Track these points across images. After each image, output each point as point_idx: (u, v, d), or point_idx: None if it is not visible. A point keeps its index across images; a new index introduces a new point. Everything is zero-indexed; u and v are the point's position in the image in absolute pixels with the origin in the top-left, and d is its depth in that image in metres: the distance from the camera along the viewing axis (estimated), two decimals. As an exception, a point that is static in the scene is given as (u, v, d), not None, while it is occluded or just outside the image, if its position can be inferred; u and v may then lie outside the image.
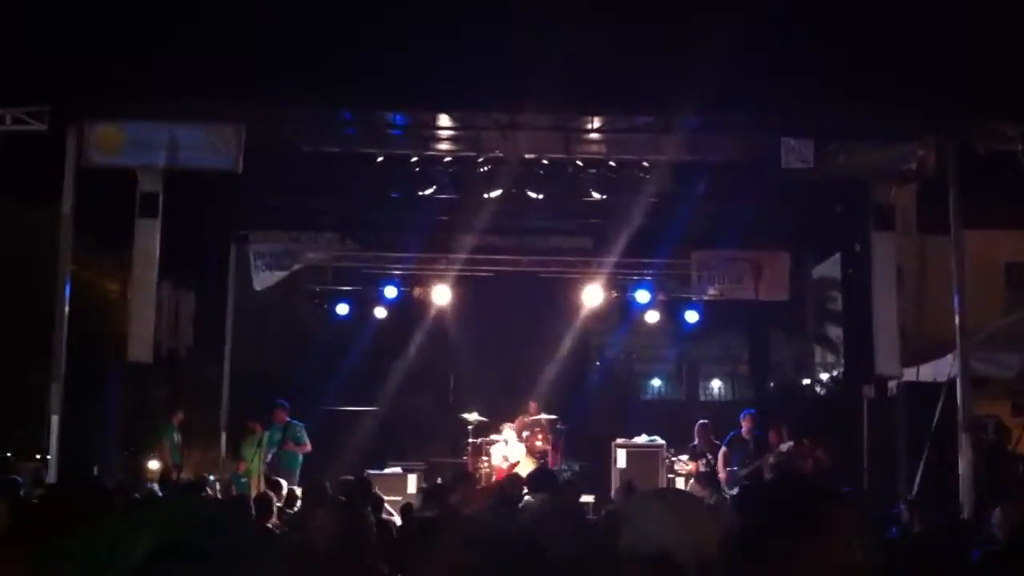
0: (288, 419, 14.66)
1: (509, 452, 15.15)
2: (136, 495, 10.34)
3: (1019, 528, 5.31)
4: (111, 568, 1.93)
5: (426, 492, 9.10)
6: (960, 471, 11.55)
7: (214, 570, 1.91)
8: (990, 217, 14.89)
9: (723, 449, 14.21)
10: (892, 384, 13.09)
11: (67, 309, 11.72)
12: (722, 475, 13.94)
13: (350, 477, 10.70)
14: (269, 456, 14.36)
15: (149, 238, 12.47)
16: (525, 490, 8.80)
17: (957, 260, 12.19)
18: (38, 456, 12.64)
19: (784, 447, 13.79)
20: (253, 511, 8.38)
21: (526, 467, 14.01)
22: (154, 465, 14.72)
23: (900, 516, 9.94)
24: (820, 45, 11.40)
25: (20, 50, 11.22)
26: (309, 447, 14.58)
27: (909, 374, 13.42)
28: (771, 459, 13.70)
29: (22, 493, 9.94)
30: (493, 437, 15.68)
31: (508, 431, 15.47)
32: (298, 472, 14.09)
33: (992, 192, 13.27)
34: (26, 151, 11.96)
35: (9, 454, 16.80)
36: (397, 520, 9.64)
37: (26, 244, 14.69)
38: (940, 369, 13.01)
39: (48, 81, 11.62)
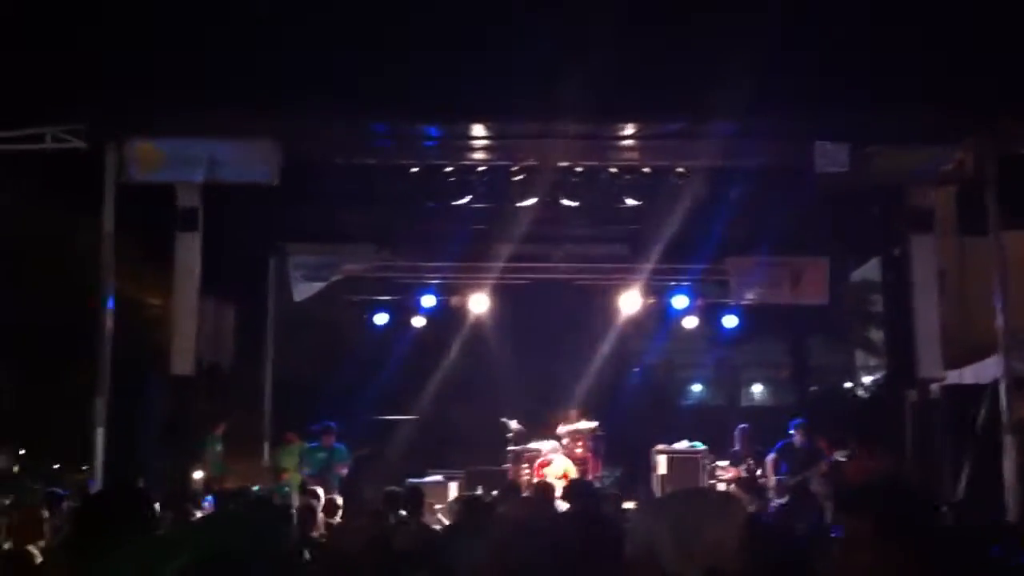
0: (334, 441, 14.68)
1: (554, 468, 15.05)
2: (187, 505, 10.47)
3: None
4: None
5: (465, 504, 9.11)
6: (1004, 474, 11.43)
7: None
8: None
9: (772, 456, 14.11)
10: (935, 387, 12.96)
11: (110, 324, 11.89)
12: (771, 482, 13.86)
13: (396, 488, 10.74)
14: (310, 472, 14.41)
15: (190, 252, 12.63)
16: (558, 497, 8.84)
17: (998, 261, 12.07)
18: (84, 468, 12.81)
19: (840, 455, 13.65)
20: (296, 520, 8.46)
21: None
22: (199, 476, 14.89)
23: (944, 519, 9.84)
24: (854, 46, 11.34)
25: (58, 69, 11.41)
26: (345, 471, 14.64)
27: (952, 377, 13.29)
28: (824, 467, 13.56)
29: (64, 506, 10.11)
30: (531, 445, 15.68)
31: (549, 443, 15.42)
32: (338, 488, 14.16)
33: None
34: (68, 168, 12.18)
35: (56, 466, 17.08)
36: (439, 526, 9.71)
37: (70, 260, 14.90)
38: (983, 371, 12.88)
39: (86, 99, 11.82)
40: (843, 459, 13.39)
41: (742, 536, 2.52)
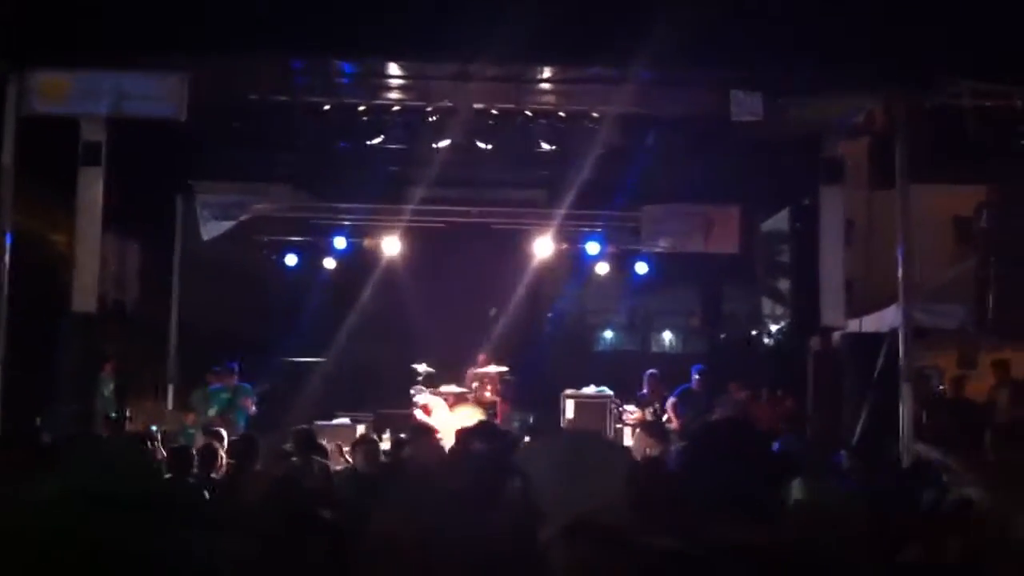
0: (235, 381, 14.43)
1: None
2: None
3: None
4: (28, 514, 1.88)
5: (353, 443, 9.10)
6: (900, 420, 11.77)
7: (137, 518, 1.86)
8: (939, 172, 15.02)
9: (671, 400, 14.34)
10: (837, 335, 13.25)
11: (7, 259, 11.57)
12: (675, 425, 14.11)
13: (301, 427, 10.64)
14: (214, 413, 14.22)
15: (92, 187, 12.31)
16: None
17: (903, 213, 12.32)
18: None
19: (739, 396, 14.00)
20: (197, 462, 8.34)
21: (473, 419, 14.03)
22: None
23: (841, 464, 10.09)
24: (771, -3, 11.40)
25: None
26: (253, 408, 14.42)
27: (853, 325, 13.60)
28: (723, 408, 13.88)
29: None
30: (442, 389, 15.70)
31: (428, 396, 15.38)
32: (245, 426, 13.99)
33: (942, 147, 13.39)
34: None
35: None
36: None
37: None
38: (884, 320, 13.20)
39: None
40: (740, 400, 13.76)
41: (618, 485, 2.50)
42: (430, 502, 3.56)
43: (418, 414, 14.93)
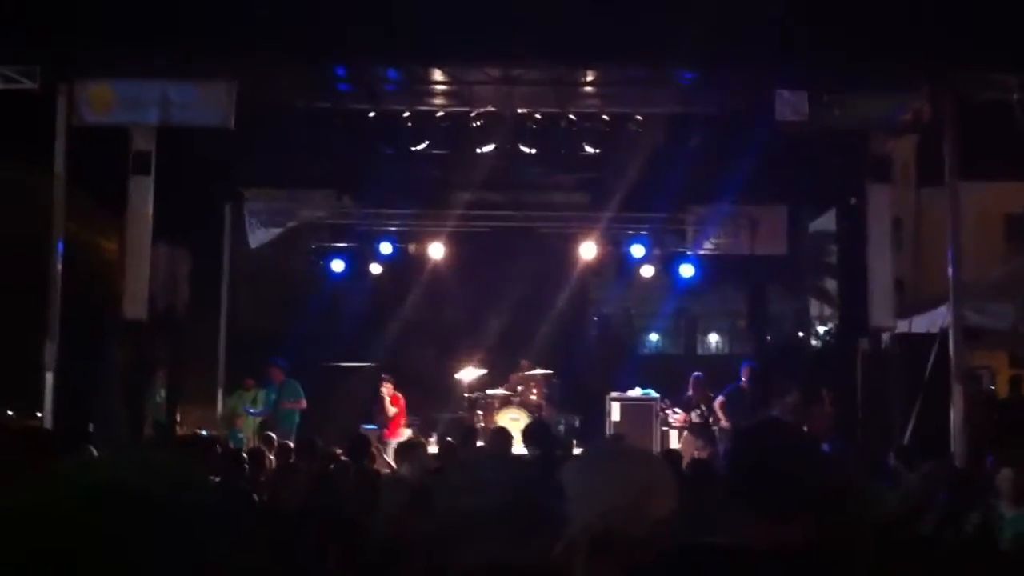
0: (284, 378, 14.70)
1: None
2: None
3: None
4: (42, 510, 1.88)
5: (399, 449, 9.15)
6: (951, 421, 11.61)
7: (162, 520, 1.87)
8: (989, 169, 14.84)
9: (720, 399, 14.27)
10: (886, 336, 13.10)
11: (60, 267, 11.76)
12: (724, 424, 14.04)
13: (357, 434, 10.72)
14: (266, 414, 14.43)
15: (143, 196, 12.48)
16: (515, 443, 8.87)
17: (952, 211, 12.16)
18: (38, 415, 12.69)
19: (789, 399, 13.87)
20: (247, 466, 8.43)
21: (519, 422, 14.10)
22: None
23: (891, 466, 9.98)
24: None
25: (9, 8, 11.14)
26: (304, 404, 14.64)
27: (903, 326, 13.44)
28: (774, 411, 13.77)
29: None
30: (488, 392, 15.80)
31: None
32: (295, 430, 14.16)
33: (991, 144, 13.21)
34: (18, 110, 11.93)
35: (10, 412, 16.87)
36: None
37: (21, 204, 14.65)
38: (934, 320, 13.02)
39: (38, 39, 11.56)
40: (789, 402, 13.64)
41: (640, 499, 2.48)
42: (470, 516, 3.55)
43: (388, 405, 15.12)
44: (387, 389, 15.37)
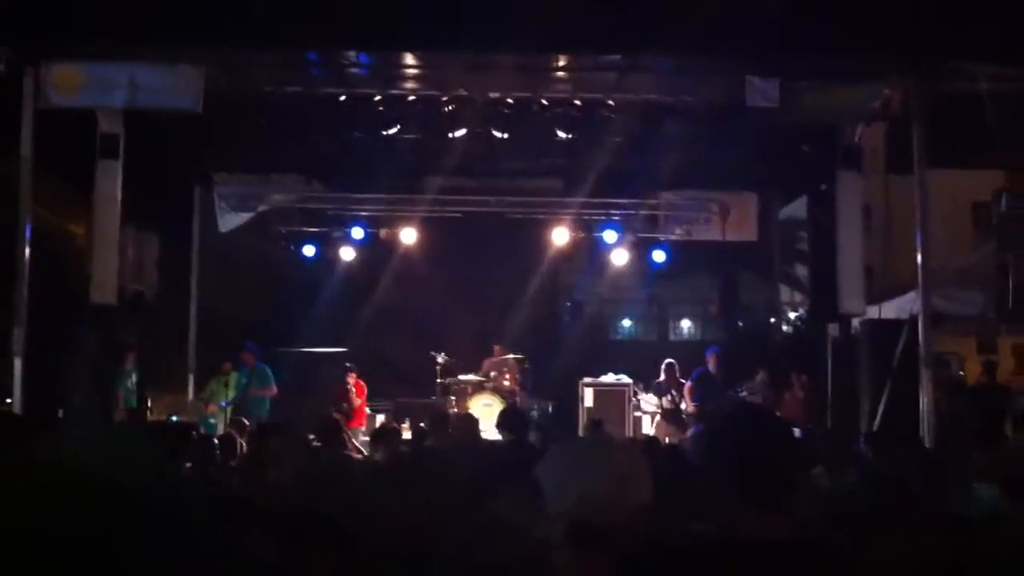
0: (255, 362, 14.66)
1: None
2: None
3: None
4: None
5: (375, 434, 9.13)
6: (921, 406, 11.73)
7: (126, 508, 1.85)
8: (958, 157, 14.95)
9: (688, 384, 14.36)
10: (856, 322, 13.21)
11: (28, 252, 11.64)
12: (690, 408, 14.13)
13: (327, 415, 10.69)
14: (234, 402, 14.39)
15: (110, 180, 12.39)
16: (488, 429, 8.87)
17: (921, 199, 12.25)
18: (7, 400, 12.58)
19: (756, 382, 14.00)
20: (218, 452, 8.38)
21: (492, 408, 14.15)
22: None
23: (860, 452, 10.06)
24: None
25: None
26: (275, 390, 14.60)
27: (872, 312, 13.56)
28: (742, 392, 13.91)
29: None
30: (460, 378, 15.83)
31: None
32: (266, 415, 14.12)
33: (960, 132, 13.32)
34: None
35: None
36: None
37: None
38: (903, 306, 13.15)
39: (5, 22, 11.41)
40: (756, 383, 13.77)
41: (616, 489, 2.48)
42: (445, 497, 3.55)
43: (353, 396, 15.14)
44: (351, 378, 15.35)
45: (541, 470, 2.57)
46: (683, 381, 14.57)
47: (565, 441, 3.13)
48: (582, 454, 2.64)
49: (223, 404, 14.51)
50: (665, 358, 15.37)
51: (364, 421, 15.18)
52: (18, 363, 11.35)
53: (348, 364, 15.53)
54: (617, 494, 2.46)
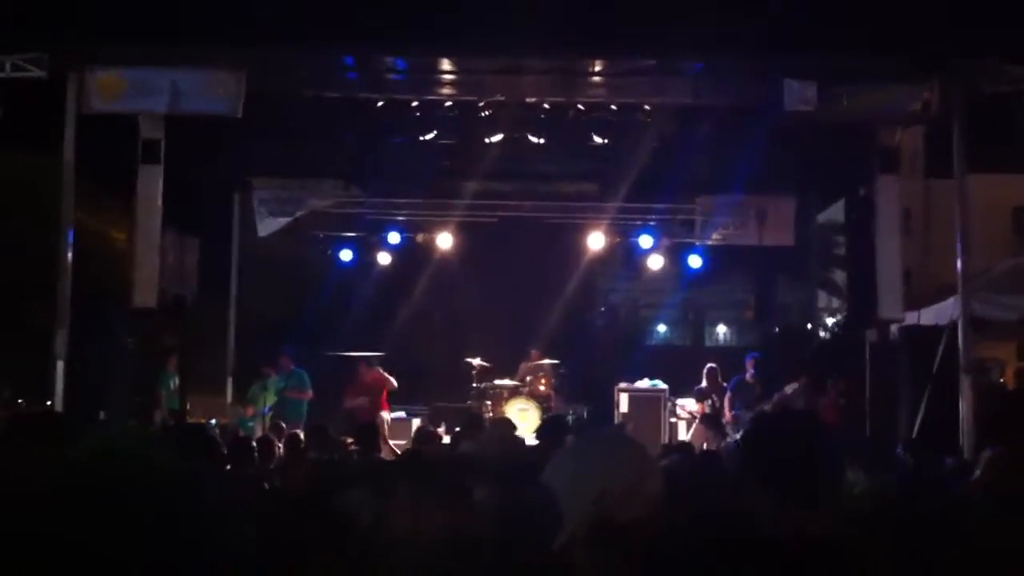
0: (292, 367, 14.76)
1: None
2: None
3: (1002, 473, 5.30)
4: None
5: (417, 436, 9.15)
6: (960, 413, 11.59)
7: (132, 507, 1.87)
8: (998, 161, 14.82)
9: (728, 393, 14.30)
10: (894, 328, 13.08)
11: (70, 255, 11.79)
12: (727, 417, 14.05)
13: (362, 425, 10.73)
14: (271, 405, 14.50)
15: (152, 184, 12.50)
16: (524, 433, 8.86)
17: (961, 202, 12.13)
18: (48, 403, 12.75)
19: (789, 389, 13.88)
20: (256, 455, 8.46)
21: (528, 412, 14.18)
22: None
23: (900, 459, 9.98)
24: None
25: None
26: (311, 394, 14.68)
27: (911, 318, 13.42)
28: (776, 400, 13.80)
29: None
30: (496, 382, 15.84)
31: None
32: (303, 419, 14.20)
33: (999, 135, 13.19)
34: (27, 98, 11.96)
35: (20, 400, 16.94)
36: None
37: (30, 192, 14.70)
38: (942, 312, 13.00)
39: (47, 27, 11.59)
40: (790, 393, 13.66)
41: (632, 481, 2.48)
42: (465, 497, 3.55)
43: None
44: (365, 370, 15.18)
45: (549, 475, 2.57)
46: (725, 385, 14.50)
47: (567, 443, 3.13)
48: (590, 452, 2.64)
49: (264, 410, 14.60)
50: (700, 363, 15.30)
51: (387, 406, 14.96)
52: (60, 365, 11.49)
53: (366, 361, 15.45)
54: (633, 487, 2.47)
